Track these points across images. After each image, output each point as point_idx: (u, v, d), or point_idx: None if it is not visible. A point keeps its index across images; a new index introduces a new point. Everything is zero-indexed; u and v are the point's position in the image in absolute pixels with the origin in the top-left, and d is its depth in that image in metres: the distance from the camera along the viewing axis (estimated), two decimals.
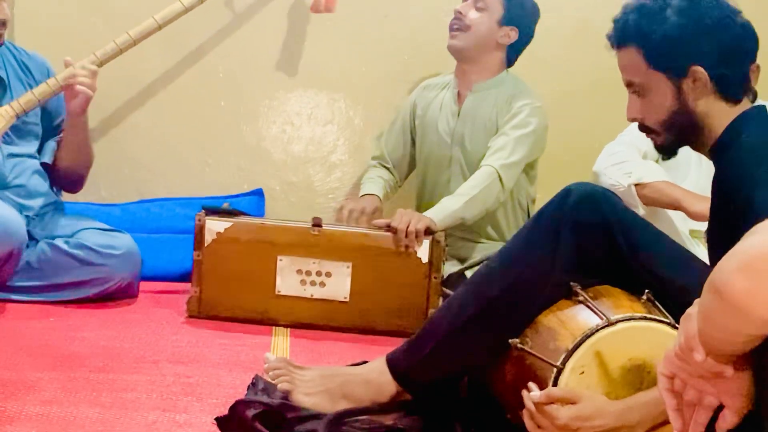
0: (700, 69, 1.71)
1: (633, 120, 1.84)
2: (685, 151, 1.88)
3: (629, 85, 1.82)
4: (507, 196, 2.98)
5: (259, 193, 3.39)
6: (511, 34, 3.01)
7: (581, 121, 3.41)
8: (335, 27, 3.38)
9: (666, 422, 1.58)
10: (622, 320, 1.72)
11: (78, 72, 2.76)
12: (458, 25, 2.99)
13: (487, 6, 2.98)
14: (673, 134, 1.79)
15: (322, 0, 3.22)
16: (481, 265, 2.14)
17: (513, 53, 3.05)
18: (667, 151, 1.86)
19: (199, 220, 2.68)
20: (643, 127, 1.84)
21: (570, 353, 1.70)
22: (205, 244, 2.67)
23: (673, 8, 1.72)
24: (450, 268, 2.90)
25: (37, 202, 2.85)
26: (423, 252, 2.67)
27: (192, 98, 3.39)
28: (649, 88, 1.78)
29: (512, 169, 2.92)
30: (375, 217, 2.96)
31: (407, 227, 2.65)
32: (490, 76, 3.04)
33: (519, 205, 3.09)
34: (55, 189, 2.97)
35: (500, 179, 2.88)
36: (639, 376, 1.71)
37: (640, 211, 2.56)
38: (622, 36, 1.79)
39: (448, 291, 2.72)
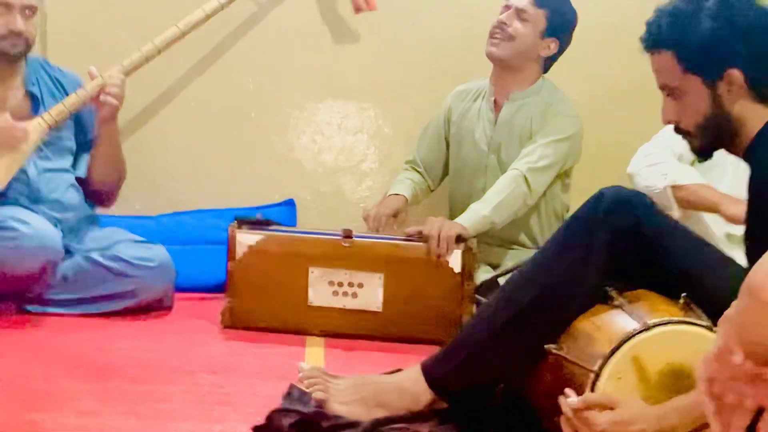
0: (735, 71, 1.70)
1: (668, 123, 1.83)
2: (722, 154, 1.87)
3: (663, 88, 1.80)
4: (537, 200, 2.97)
5: (290, 203, 3.40)
6: (552, 46, 3.00)
7: (613, 127, 3.39)
8: (364, 37, 3.39)
9: (705, 426, 1.56)
10: (659, 324, 1.70)
11: (107, 81, 2.78)
12: (501, 35, 2.96)
13: (531, 18, 2.95)
14: (708, 137, 1.78)
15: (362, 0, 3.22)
16: (515, 271, 2.13)
17: (549, 62, 3.05)
18: (702, 153, 1.84)
19: (232, 232, 2.69)
20: (678, 130, 1.82)
21: (607, 358, 1.69)
22: (238, 256, 2.68)
23: (707, 11, 1.70)
24: (483, 275, 2.89)
25: (71, 216, 2.87)
26: (455, 261, 2.67)
27: (223, 110, 3.41)
28: (684, 91, 1.76)
29: (540, 173, 2.91)
30: (397, 217, 2.97)
31: (439, 235, 2.65)
32: (528, 85, 3.02)
33: (553, 213, 3.07)
34: (89, 202, 2.99)
35: (527, 182, 2.87)
36: (677, 381, 1.69)
37: (675, 213, 2.54)
38: (656, 40, 1.77)
39: (481, 298, 2.71)
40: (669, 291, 1.82)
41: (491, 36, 2.98)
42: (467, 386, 1.96)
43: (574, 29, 3.03)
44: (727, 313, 1.37)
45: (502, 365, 1.95)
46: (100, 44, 3.26)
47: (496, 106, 3.06)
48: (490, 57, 3.00)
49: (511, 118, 3.02)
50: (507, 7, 2.99)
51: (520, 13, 2.96)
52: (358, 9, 3.25)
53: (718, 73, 1.72)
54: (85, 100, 2.81)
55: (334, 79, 3.43)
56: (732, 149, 1.80)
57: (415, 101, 3.42)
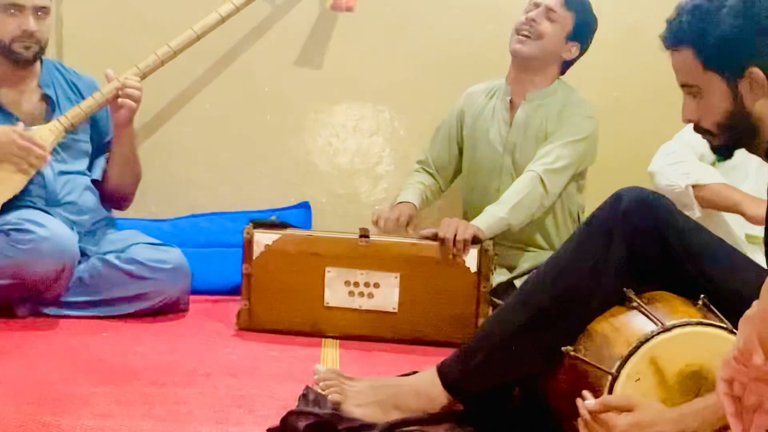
0: (756, 69, 1.68)
1: (688, 122, 1.81)
2: (744, 154, 1.85)
3: (684, 86, 1.79)
4: (553, 202, 2.95)
5: (306, 206, 3.40)
6: (573, 50, 2.99)
7: (629, 128, 3.38)
8: (379, 39, 3.39)
9: (726, 428, 1.54)
10: (678, 326, 1.69)
11: (124, 83, 2.79)
12: (529, 32, 2.93)
13: (559, 18, 2.94)
14: (728, 136, 1.77)
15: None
16: (532, 272, 2.12)
17: (567, 65, 3.04)
18: (722, 152, 1.83)
19: (248, 233, 2.69)
20: (698, 129, 1.81)
21: (625, 360, 1.68)
22: (254, 257, 2.68)
23: (729, 8, 1.69)
24: (499, 277, 2.88)
25: (88, 219, 2.88)
26: (471, 261, 2.66)
27: (238, 113, 3.41)
28: (704, 89, 1.75)
29: (557, 175, 2.89)
30: (409, 224, 2.97)
31: (454, 236, 2.64)
32: (545, 86, 3.01)
33: (569, 214, 3.06)
34: (105, 205, 3.00)
35: (543, 184, 2.85)
36: (696, 383, 1.68)
37: (696, 213, 2.52)
38: (677, 37, 1.76)
39: (497, 300, 2.71)
40: (688, 292, 1.81)
41: (518, 32, 2.95)
42: (484, 388, 1.96)
43: (594, 35, 3.02)
44: (748, 313, 1.36)
45: (519, 367, 1.94)
46: (115, 48, 3.26)
47: (512, 107, 3.04)
48: (516, 54, 2.97)
49: (526, 118, 3.01)
50: (536, 5, 2.96)
51: (549, 13, 2.94)
52: (337, 8, 3.24)
53: (740, 71, 1.70)
54: (101, 103, 2.83)
55: (349, 81, 3.43)
56: (752, 148, 1.78)
57: (430, 103, 3.41)
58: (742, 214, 2.44)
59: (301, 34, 3.39)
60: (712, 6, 1.71)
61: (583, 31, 2.98)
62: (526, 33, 2.94)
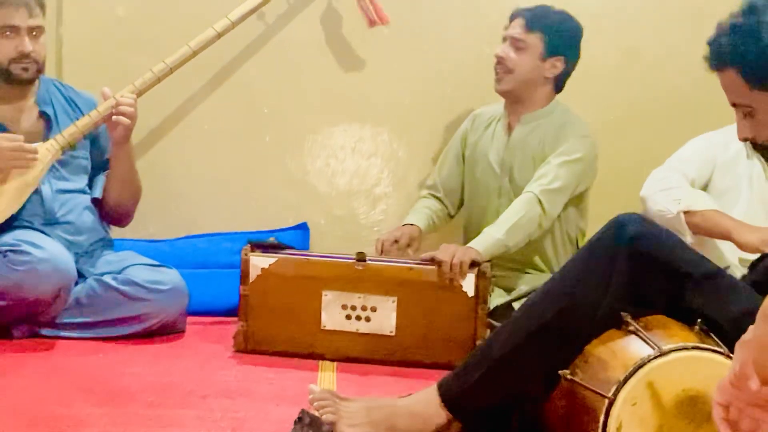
0: None
1: (745, 140, 1.81)
2: (736, 178, 1.86)
3: (735, 105, 1.79)
4: (552, 223, 2.95)
5: (304, 227, 3.40)
6: (557, 65, 2.98)
7: (629, 150, 3.38)
8: (378, 60, 3.39)
9: None
10: (675, 350, 1.69)
11: (119, 101, 2.80)
12: (501, 69, 2.97)
13: (527, 45, 2.95)
14: None
15: (373, 14, 3.23)
16: (532, 293, 2.12)
17: (561, 79, 3.03)
18: None
19: (245, 255, 2.69)
20: (756, 146, 1.81)
21: (622, 384, 1.67)
22: (251, 280, 2.68)
23: (766, 25, 1.68)
24: (497, 299, 2.88)
25: (86, 239, 2.88)
26: (469, 285, 2.66)
27: (238, 134, 3.41)
28: (755, 107, 1.74)
29: (554, 195, 2.89)
30: (410, 246, 2.96)
31: (452, 260, 2.64)
32: (540, 106, 3.02)
33: (568, 237, 3.06)
34: (104, 225, 3.00)
35: (540, 204, 2.85)
36: (693, 407, 1.67)
37: (688, 239, 2.52)
38: (719, 59, 1.75)
39: (495, 323, 2.70)
40: (684, 317, 1.81)
41: (495, 72, 3.00)
42: (482, 406, 1.95)
43: (579, 40, 3.00)
44: (744, 338, 1.36)
45: (518, 386, 1.94)
46: (114, 66, 3.27)
47: (509, 129, 3.06)
48: (498, 93, 3.02)
49: (523, 139, 3.01)
50: (504, 39, 3.00)
51: (515, 43, 2.96)
52: (372, 23, 3.26)
53: None
54: (97, 121, 2.83)
55: (348, 102, 3.44)
56: None
57: (429, 125, 3.42)
58: (734, 242, 2.44)
59: (301, 56, 3.39)
60: (750, 23, 1.69)
61: (560, 44, 2.97)
62: (499, 71, 2.99)
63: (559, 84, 3.03)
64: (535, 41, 2.95)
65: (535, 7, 2.99)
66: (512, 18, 3.01)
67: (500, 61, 2.98)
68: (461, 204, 3.23)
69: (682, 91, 3.38)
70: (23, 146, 2.69)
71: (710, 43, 1.77)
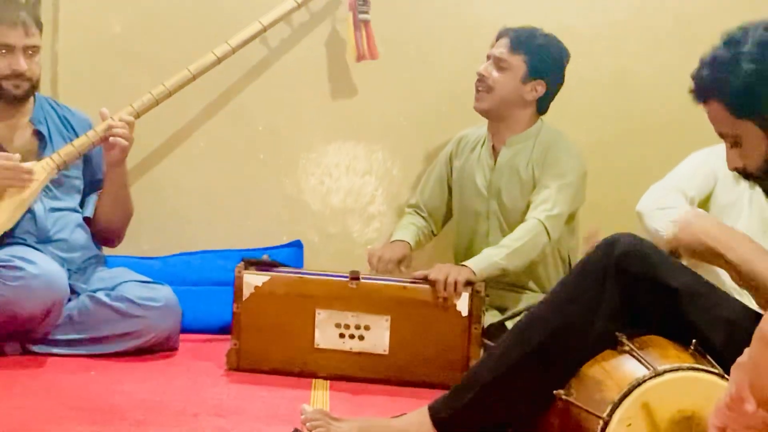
0: None
1: (735, 170, 1.82)
2: (738, 193, 1.86)
3: (722, 136, 1.80)
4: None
5: (297, 245, 3.39)
6: (538, 89, 2.98)
7: (620, 169, 3.38)
8: (373, 79, 3.40)
9: None
10: (670, 371, 1.69)
11: (115, 123, 2.80)
12: (481, 87, 2.97)
13: (510, 65, 2.95)
14: None
15: (365, 48, 3.23)
16: (525, 313, 2.12)
17: (544, 103, 3.03)
18: None
19: (238, 273, 2.68)
20: (747, 175, 1.82)
21: (617, 405, 1.67)
22: (244, 298, 2.67)
23: (746, 55, 1.70)
24: (490, 318, 2.88)
25: (78, 256, 2.87)
26: (462, 305, 2.65)
27: (232, 151, 3.41)
28: (741, 137, 1.76)
29: (557, 221, 2.89)
30: (401, 263, 2.96)
31: (446, 279, 2.64)
32: (523, 129, 3.02)
33: (560, 256, 3.06)
34: (96, 243, 2.99)
35: (547, 231, 2.85)
36: (688, 428, 1.67)
37: (683, 261, 2.52)
38: (702, 91, 1.78)
39: (488, 342, 2.70)
40: (680, 337, 1.81)
41: (475, 90, 2.99)
42: (474, 428, 1.95)
43: (564, 65, 3.00)
44: (740, 360, 1.36)
45: (510, 407, 1.94)
46: (110, 85, 3.27)
47: (494, 152, 3.06)
48: (476, 110, 3.01)
49: (509, 162, 3.01)
50: (487, 58, 3.00)
51: (498, 62, 2.96)
52: (361, 57, 3.26)
53: None
54: (94, 142, 2.82)
55: (342, 120, 3.44)
56: None
57: (423, 143, 3.42)
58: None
59: (295, 74, 3.40)
60: (729, 56, 1.72)
61: (543, 68, 2.96)
62: (479, 88, 2.98)
63: (541, 107, 3.03)
64: (518, 63, 2.95)
65: (522, 28, 2.99)
66: (499, 36, 3.01)
67: (481, 78, 2.98)
68: (444, 222, 3.23)
69: (672, 111, 3.39)
70: (19, 166, 2.68)
71: (693, 77, 1.80)
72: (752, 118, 1.73)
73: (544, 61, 2.96)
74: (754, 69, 1.69)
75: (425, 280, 2.68)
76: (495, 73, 2.96)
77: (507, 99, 2.96)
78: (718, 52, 1.74)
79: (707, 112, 1.81)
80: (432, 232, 3.23)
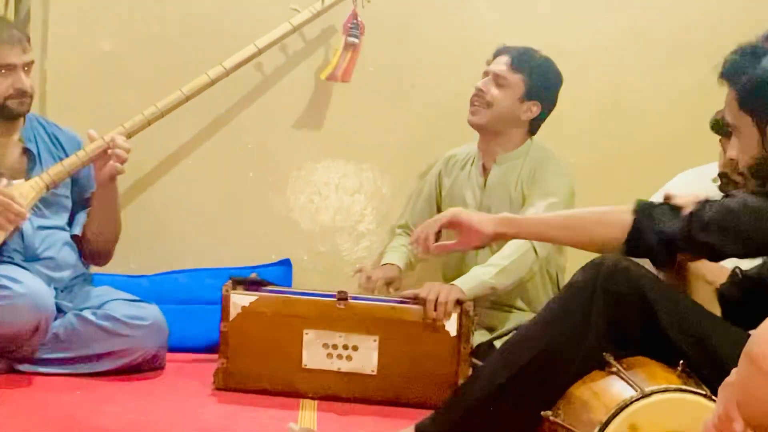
0: None
1: (731, 159, 1.85)
2: None
3: (726, 124, 1.83)
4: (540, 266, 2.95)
5: (286, 263, 3.38)
6: (533, 109, 2.99)
7: (612, 188, 3.38)
8: (363, 97, 3.40)
9: None
10: (658, 392, 1.69)
11: (114, 143, 2.78)
12: (479, 102, 2.98)
13: (509, 83, 2.96)
14: (759, 179, 1.79)
15: (342, 68, 3.23)
16: (513, 333, 2.12)
17: (535, 124, 3.04)
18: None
19: (226, 292, 2.67)
20: (736, 173, 1.84)
21: (604, 426, 1.67)
22: (231, 317, 2.66)
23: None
24: (479, 337, 2.87)
25: (66, 274, 2.86)
26: (451, 325, 2.64)
27: (221, 169, 3.41)
28: (738, 129, 1.78)
29: None
30: (392, 286, 2.96)
31: (436, 299, 2.63)
32: (514, 147, 3.03)
33: (548, 275, 3.06)
34: (83, 261, 2.97)
35: (534, 249, 2.85)
36: None
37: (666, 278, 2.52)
38: (723, 73, 1.81)
39: (477, 361, 2.69)
40: (668, 358, 1.81)
41: (471, 104, 3.00)
42: None
43: (558, 89, 3.03)
44: (728, 380, 1.35)
45: (498, 427, 1.94)
46: (98, 103, 3.26)
47: (485, 170, 3.06)
48: (471, 124, 3.02)
49: (499, 180, 3.02)
50: (486, 74, 3.01)
51: (497, 79, 2.97)
52: (333, 77, 3.26)
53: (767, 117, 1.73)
54: (84, 162, 2.81)
55: (332, 139, 3.44)
56: None
57: (413, 162, 3.43)
58: (711, 285, 2.45)
59: (286, 93, 3.40)
60: (758, 51, 1.75)
61: (539, 90, 2.98)
62: (476, 103, 2.99)
63: (533, 128, 3.04)
64: (517, 81, 2.96)
65: (521, 48, 3.01)
66: (497, 54, 3.03)
67: (479, 93, 2.99)
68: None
69: (664, 131, 3.41)
70: (10, 204, 2.63)
71: (725, 57, 1.82)
72: (752, 115, 1.74)
73: (541, 83, 2.99)
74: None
75: (415, 299, 2.67)
76: (494, 90, 2.97)
77: (503, 116, 2.98)
78: (750, 44, 1.77)
79: (725, 96, 1.84)
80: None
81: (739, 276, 2.03)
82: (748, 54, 1.76)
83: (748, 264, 2.02)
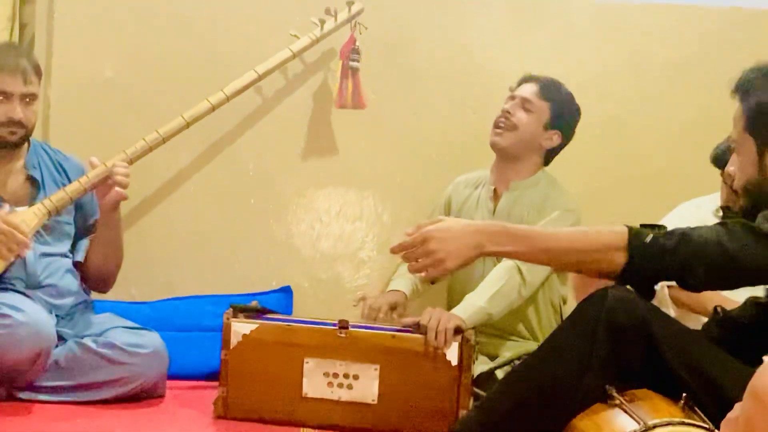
0: None
1: (731, 173, 1.85)
2: None
3: (732, 139, 1.83)
4: (533, 292, 2.94)
5: (287, 290, 3.38)
6: (554, 138, 3.02)
7: (612, 219, 3.36)
8: (364, 124, 3.41)
9: None
10: (660, 425, 1.68)
11: (118, 171, 2.79)
12: (504, 124, 3.00)
13: (535, 108, 2.99)
14: (749, 201, 1.79)
15: (348, 96, 3.25)
16: (515, 363, 2.11)
17: (551, 154, 3.07)
18: (747, 217, 1.84)
19: (227, 320, 2.67)
20: (732, 188, 1.84)
21: None
22: (232, 345, 2.66)
23: None
24: (480, 366, 2.86)
25: (67, 302, 2.85)
26: (452, 354, 2.63)
27: (222, 195, 3.41)
28: (741, 148, 1.78)
29: (535, 266, 2.89)
30: (397, 312, 2.95)
31: (436, 327, 2.62)
32: (528, 175, 3.04)
33: (551, 304, 3.05)
34: (85, 287, 2.97)
35: (520, 273, 2.84)
36: None
37: (671, 312, 2.52)
38: (737, 87, 1.81)
39: (478, 391, 2.68)
40: (671, 391, 1.80)
41: (495, 126, 3.02)
42: None
43: (576, 123, 3.06)
44: (730, 415, 1.36)
45: None
46: (102, 128, 3.28)
47: (495, 195, 3.07)
48: (493, 146, 3.03)
49: (509, 207, 3.02)
50: (512, 98, 3.04)
51: (524, 103, 3.00)
52: (341, 105, 3.27)
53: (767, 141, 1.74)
54: (87, 189, 2.82)
55: (333, 166, 3.45)
56: None
57: (414, 190, 3.43)
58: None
59: (287, 120, 3.41)
60: None
61: (562, 120, 3.02)
62: (501, 125, 3.00)
63: (548, 158, 3.07)
64: (544, 108, 3.00)
65: (548, 78, 3.05)
66: (523, 81, 3.06)
67: (506, 116, 3.00)
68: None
69: (663, 160, 3.42)
70: (15, 234, 2.63)
71: (743, 71, 1.83)
72: (753, 136, 1.76)
73: (565, 114, 3.03)
74: None
75: (415, 327, 2.67)
76: (520, 113, 3.00)
77: (526, 141, 3.00)
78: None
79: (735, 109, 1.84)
80: (430, 280, 3.21)
81: (719, 314, 2.03)
82: (763, 76, 1.76)
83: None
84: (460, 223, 1.94)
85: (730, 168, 1.86)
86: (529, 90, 3.02)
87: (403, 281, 3.11)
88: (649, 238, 1.82)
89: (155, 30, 3.35)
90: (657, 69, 3.44)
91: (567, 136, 3.06)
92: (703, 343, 1.89)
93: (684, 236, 1.80)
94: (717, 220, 2.61)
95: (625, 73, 3.44)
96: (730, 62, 1.95)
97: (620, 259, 1.85)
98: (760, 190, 1.76)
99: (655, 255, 1.81)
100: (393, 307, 2.99)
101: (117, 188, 2.79)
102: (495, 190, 3.08)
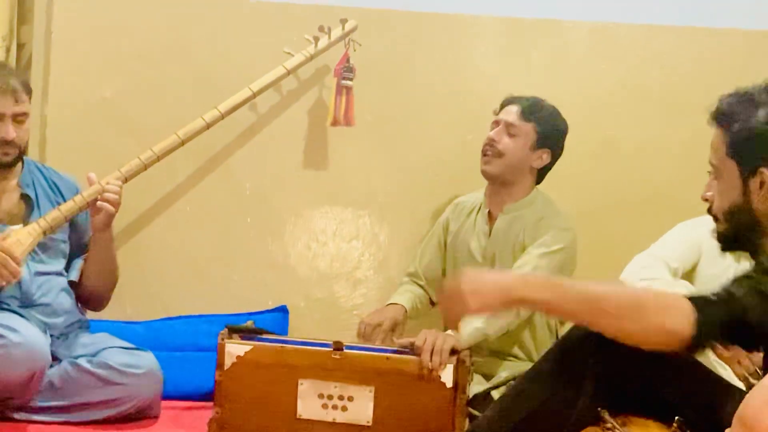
0: (766, 172, 1.71)
1: (706, 200, 1.85)
2: (723, 266, 1.86)
3: (710, 164, 1.83)
4: (531, 314, 2.94)
5: (283, 310, 3.38)
6: (544, 157, 3.02)
7: (607, 239, 3.39)
8: (361, 144, 3.42)
9: None
10: None
11: (105, 188, 2.80)
12: (491, 152, 3.00)
13: (520, 132, 2.99)
14: (730, 226, 1.79)
15: (341, 114, 3.26)
16: (509, 386, 2.11)
17: (544, 171, 3.07)
18: (723, 242, 1.84)
19: (221, 341, 2.66)
20: (710, 210, 1.84)
21: None
22: (226, 366, 2.65)
23: (765, 105, 1.72)
24: (475, 386, 2.85)
25: (62, 321, 2.85)
26: (447, 376, 2.63)
27: (219, 215, 3.41)
28: (721, 173, 1.78)
29: None
30: (394, 330, 2.94)
31: (432, 349, 2.62)
32: (522, 196, 3.04)
33: (547, 326, 3.05)
34: (80, 306, 2.97)
35: None
36: None
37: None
38: (714, 114, 1.80)
39: (474, 411, 2.67)
40: (662, 415, 1.80)
41: (483, 154, 3.02)
42: None
43: (564, 137, 3.06)
44: None
45: None
46: (98, 149, 3.28)
47: (491, 218, 3.07)
48: (484, 174, 3.03)
49: (505, 229, 3.02)
50: (496, 123, 3.03)
51: (509, 128, 3.00)
52: (335, 122, 3.28)
53: (753, 168, 1.73)
54: (81, 207, 2.82)
55: (330, 185, 3.45)
56: (748, 247, 1.80)
57: (411, 210, 3.43)
58: None
59: (284, 140, 3.42)
60: (754, 99, 1.75)
61: (549, 138, 3.01)
62: (488, 153, 3.00)
63: (541, 176, 3.07)
64: (528, 130, 2.99)
65: (529, 98, 3.04)
66: (506, 104, 3.05)
67: (491, 143, 3.00)
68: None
69: (658, 181, 3.42)
70: (9, 263, 2.61)
71: (719, 99, 1.82)
72: (738, 163, 1.75)
73: (551, 131, 3.02)
74: (763, 122, 1.71)
75: (411, 347, 2.66)
76: (506, 139, 2.99)
77: (515, 165, 2.99)
78: (749, 88, 1.77)
79: (712, 135, 1.83)
80: (430, 300, 3.20)
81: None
82: (745, 101, 1.76)
83: None
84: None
85: (708, 194, 1.86)
86: (511, 113, 3.01)
87: (403, 297, 3.10)
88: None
89: (151, 49, 3.36)
90: (652, 90, 3.45)
91: (556, 152, 3.05)
92: (695, 368, 1.89)
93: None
94: (714, 240, 2.60)
95: (621, 95, 3.45)
96: (725, 84, 1.94)
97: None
98: (744, 218, 1.76)
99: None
100: (392, 328, 2.98)
101: (107, 205, 2.79)
102: (489, 212, 3.08)
